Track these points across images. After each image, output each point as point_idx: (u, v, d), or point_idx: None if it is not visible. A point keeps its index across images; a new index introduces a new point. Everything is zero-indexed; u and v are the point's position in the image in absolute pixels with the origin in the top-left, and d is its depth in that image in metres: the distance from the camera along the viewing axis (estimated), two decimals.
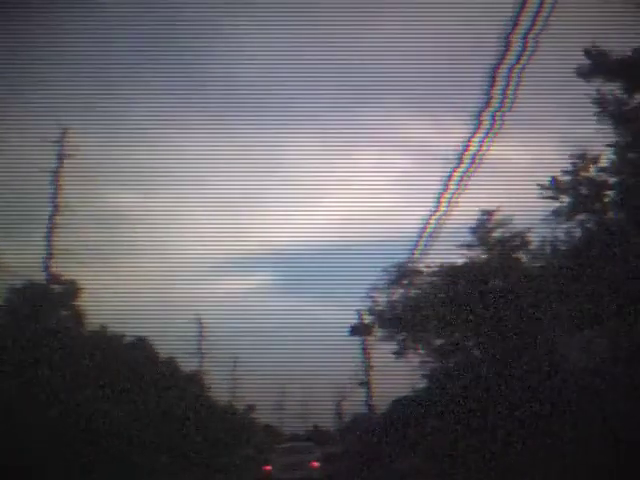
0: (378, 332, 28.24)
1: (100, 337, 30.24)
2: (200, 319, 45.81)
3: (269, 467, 28.34)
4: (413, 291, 25.90)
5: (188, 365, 42.99)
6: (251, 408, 55.56)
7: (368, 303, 27.65)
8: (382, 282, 26.20)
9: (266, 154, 51.31)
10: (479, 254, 24.40)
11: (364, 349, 35.42)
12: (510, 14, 11.18)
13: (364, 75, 53.65)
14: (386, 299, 26.61)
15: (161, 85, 58.12)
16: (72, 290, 30.59)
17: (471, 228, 24.43)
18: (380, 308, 27.03)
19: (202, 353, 45.79)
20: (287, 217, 50.50)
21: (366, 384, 36.36)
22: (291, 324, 37.43)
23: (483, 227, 24.25)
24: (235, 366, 49.59)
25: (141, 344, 34.88)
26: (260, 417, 58.69)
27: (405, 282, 25.78)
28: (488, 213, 24.32)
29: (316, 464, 27.79)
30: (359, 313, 35.01)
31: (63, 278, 30.54)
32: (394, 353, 26.89)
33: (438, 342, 25.38)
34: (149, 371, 31.35)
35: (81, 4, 33.73)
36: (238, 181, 56.79)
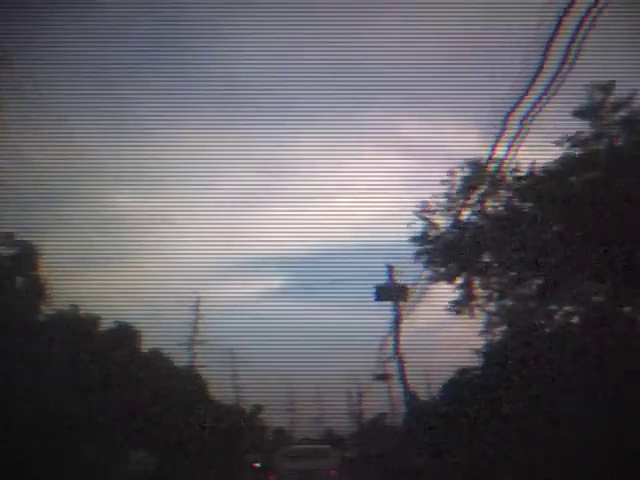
0: (429, 271, 19.03)
1: (67, 317, 24.68)
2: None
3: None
4: (491, 204, 17.37)
5: (199, 367, 40.12)
6: (258, 409, 53.80)
7: (414, 229, 18.70)
8: (440, 196, 17.92)
9: (272, 156, 54.58)
10: (597, 148, 15.90)
11: (396, 320, 27.05)
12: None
13: (365, 75, 54.33)
14: (446, 221, 18.04)
15: (161, 85, 59.77)
16: (29, 255, 23.73)
17: (579, 112, 15.93)
18: (434, 234, 18.25)
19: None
20: (298, 219, 50.19)
21: (393, 375, 29.69)
22: (304, 326, 36.49)
23: (601, 107, 15.77)
24: (245, 368, 47.97)
25: (123, 331, 28.40)
26: (272, 420, 58.49)
27: (478, 193, 17.28)
28: (604, 87, 15.92)
29: (334, 472, 21.97)
30: (389, 269, 27.01)
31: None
32: (451, 307, 18.77)
33: (527, 288, 17.19)
34: (127, 362, 26.13)
35: (81, 4, 34.18)
36: (246, 183, 55.40)
